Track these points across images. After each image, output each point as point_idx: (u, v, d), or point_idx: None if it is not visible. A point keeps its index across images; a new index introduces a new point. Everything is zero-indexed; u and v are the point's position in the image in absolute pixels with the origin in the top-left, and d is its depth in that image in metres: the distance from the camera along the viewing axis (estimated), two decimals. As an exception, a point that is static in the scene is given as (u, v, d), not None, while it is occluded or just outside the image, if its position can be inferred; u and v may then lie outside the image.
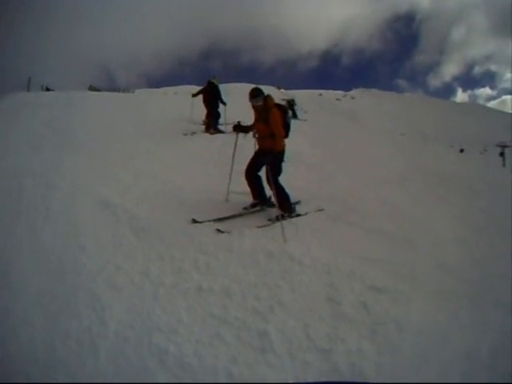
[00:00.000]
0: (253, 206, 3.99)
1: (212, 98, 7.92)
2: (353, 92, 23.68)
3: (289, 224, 3.68)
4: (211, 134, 7.48)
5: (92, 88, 16.55)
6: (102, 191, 4.15)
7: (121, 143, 6.05)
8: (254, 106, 3.83)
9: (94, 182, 4.36)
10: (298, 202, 4.16)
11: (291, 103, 14.69)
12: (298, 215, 3.93)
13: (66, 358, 2.06)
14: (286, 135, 3.85)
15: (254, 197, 4.00)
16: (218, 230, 3.47)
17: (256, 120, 3.89)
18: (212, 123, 7.84)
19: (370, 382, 1.85)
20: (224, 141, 6.43)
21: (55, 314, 2.39)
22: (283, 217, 3.77)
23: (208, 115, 8.02)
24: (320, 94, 21.63)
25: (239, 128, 4.01)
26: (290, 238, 3.36)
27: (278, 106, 3.85)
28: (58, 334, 2.22)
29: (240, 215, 3.90)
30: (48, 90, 14.08)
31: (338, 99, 20.32)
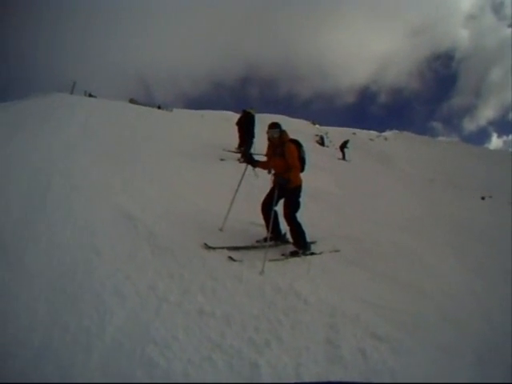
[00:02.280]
0: (266, 240, 3.94)
1: (247, 127, 8.18)
2: (386, 133, 23.72)
3: (302, 262, 3.69)
4: (240, 162, 7.59)
5: (133, 101, 17.11)
6: (125, 202, 4.37)
7: (152, 158, 6.37)
8: (269, 140, 3.93)
9: (119, 192, 4.62)
10: (314, 242, 4.12)
11: (345, 143, 15.00)
12: (313, 254, 3.90)
13: (60, 351, 2.17)
14: (302, 169, 3.89)
15: (270, 231, 3.92)
16: (230, 258, 3.53)
17: (270, 155, 3.93)
18: (244, 152, 7.97)
19: (370, 381, 1.79)
20: (252, 171, 6.68)
21: (59, 308, 2.54)
22: (297, 254, 3.80)
23: (241, 144, 8.31)
24: (354, 133, 21.86)
25: (248, 159, 4.11)
26: (300, 276, 3.35)
27: (293, 140, 3.90)
28: (57, 327, 2.35)
29: (254, 247, 3.92)
30: (91, 96, 14.93)
31: (371, 139, 20.38)
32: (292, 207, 3.77)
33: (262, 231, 4.10)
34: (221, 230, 4.15)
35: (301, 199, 3.88)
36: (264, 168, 4.13)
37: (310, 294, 2.97)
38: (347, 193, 7.16)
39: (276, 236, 4.00)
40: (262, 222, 3.99)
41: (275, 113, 22.92)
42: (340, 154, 14.75)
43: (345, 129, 23.11)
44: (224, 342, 2.34)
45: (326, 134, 20.06)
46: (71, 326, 2.38)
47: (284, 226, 3.97)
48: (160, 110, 15.79)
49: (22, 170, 4.64)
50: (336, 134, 20.65)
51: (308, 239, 3.92)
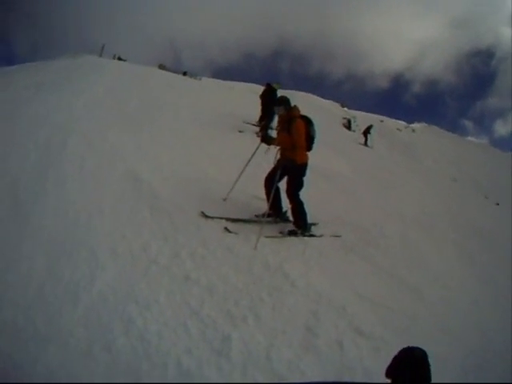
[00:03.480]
0: (265, 215, 3.81)
1: (268, 101, 7.88)
2: (414, 125, 22.31)
3: (299, 242, 3.56)
4: (257, 136, 7.53)
5: (162, 67, 16.68)
6: (136, 165, 4.35)
7: (171, 125, 6.26)
8: (279, 115, 3.76)
9: (131, 154, 4.60)
10: (315, 224, 3.95)
11: (368, 129, 14.28)
12: (312, 235, 3.75)
13: (49, 299, 2.26)
14: (309, 148, 3.70)
15: (270, 207, 3.79)
16: (226, 229, 3.47)
17: (279, 130, 3.79)
18: (264, 126, 7.73)
19: (370, 381, 1.76)
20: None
21: (55, 259, 2.63)
22: (296, 233, 3.68)
23: (262, 118, 8.07)
24: (381, 121, 20.68)
25: (263, 137, 4.02)
26: (293, 257, 3.24)
27: (303, 117, 3.69)
28: (51, 278, 2.44)
29: (252, 221, 3.81)
30: (120, 59, 14.65)
31: (398, 129, 19.26)
32: (295, 185, 3.63)
33: (264, 206, 3.94)
34: (224, 199, 4.07)
35: (307, 178, 3.72)
36: (277, 145, 3.94)
37: (299, 277, 2.87)
38: (362, 178, 6.82)
39: (276, 213, 3.88)
40: (264, 195, 3.87)
41: (305, 90, 21.91)
42: (363, 139, 14.02)
43: (373, 115, 21.85)
44: (202, 311, 2.33)
45: (354, 118, 19.08)
46: (64, 278, 2.46)
47: (286, 204, 3.83)
48: (186, 77, 15.31)
49: (40, 128, 4.68)
50: (364, 119, 19.65)
51: (309, 220, 3.77)
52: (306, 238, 3.67)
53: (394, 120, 22.19)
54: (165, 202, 3.71)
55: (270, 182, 3.73)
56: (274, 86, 8.08)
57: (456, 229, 4.80)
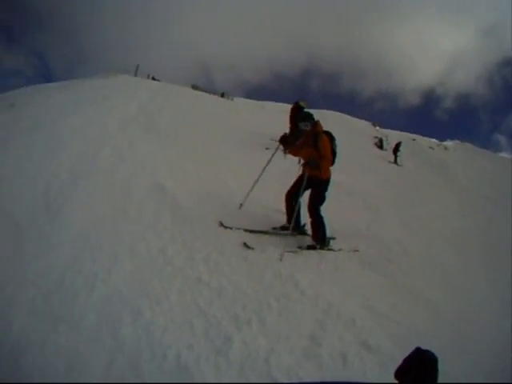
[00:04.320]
0: (283, 228, 3.88)
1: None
2: (447, 143, 21.15)
3: (316, 255, 3.55)
4: (285, 153, 7.63)
5: (195, 87, 17.23)
6: (163, 177, 4.58)
7: (201, 142, 6.57)
8: (300, 131, 3.84)
9: (160, 168, 4.89)
10: (333, 238, 3.91)
11: (398, 146, 13.88)
12: (330, 249, 3.72)
13: (68, 286, 2.49)
14: (333, 163, 3.75)
15: (288, 220, 3.83)
16: (245, 245, 3.47)
17: (302, 145, 3.83)
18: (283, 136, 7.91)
19: (370, 382, 1.73)
20: (294, 162, 6.59)
21: (78, 251, 2.90)
22: (314, 248, 3.68)
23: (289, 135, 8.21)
24: (413, 139, 19.88)
25: (283, 140, 4.03)
26: (307, 268, 3.23)
27: (326, 132, 3.77)
28: (72, 267, 2.70)
29: (270, 233, 3.86)
30: (154, 79, 15.46)
31: (430, 147, 18.33)
32: (317, 199, 3.67)
33: (282, 218, 4.01)
34: (241, 205, 4.19)
35: (330, 193, 3.76)
36: (294, 154, 4.06)
37: (309, 286, 2.84)
38: (389, 196, 6.60)
39: (294, 226, 3.88)
40: (284, 209, 3.92)
41: (336, 109, 21.88)
42: (393, 158, 13.53)
43: (405, 133, 21.14)
44: (209, 312, 2.39)
45: (386, 137, 18.59)
46: (84, 269, 2.70)
47: (305, 218, 3.85)
48: (220, 98, 15.82)
49: (75, 140, 5.15)
50: (396, 137, 19.11)
51: (329, 234, 3.75)
52: (323, 251, 3.64)
53: (426, 138, 21.31)
54: (187, 211, 3.88)
55: (292, 195, 3.79)
56: (301, 103, 8.18)
57: (485, 247, 4.46)
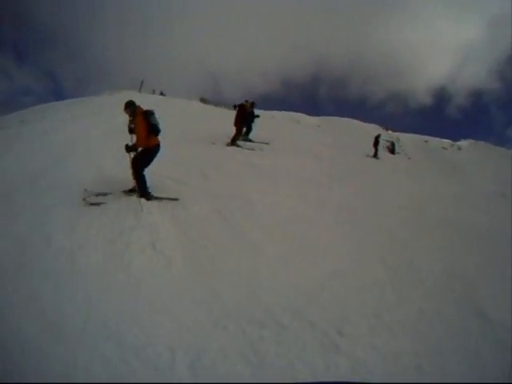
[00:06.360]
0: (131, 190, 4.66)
1: (239, 119, 8.81)
2: (461, 142, 20.51)
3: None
4: (227, 145, 8.48)
5: (203, 100, 17.15)
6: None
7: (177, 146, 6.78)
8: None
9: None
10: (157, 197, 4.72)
11: (377, 139, 13.68)
12: (157, 198, 4.60)
13: (87, 274, 3.08)
14: (156, 133, 4.48)
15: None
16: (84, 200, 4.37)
17: (133, 128, 4.60)
18: (235, 139, 8.66)
19: (370, 382, 1.81)
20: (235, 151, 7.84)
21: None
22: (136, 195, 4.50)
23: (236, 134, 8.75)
24: (426, 141, 19.53)
25: (129, 148, 4.57)
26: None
27: (145, 111, 4.50)
28: (83, 255, 3.34)
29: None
30: (161, 94, 15.83)
31: (444, 148, 17.94)
32: (142, 161, 4.51)
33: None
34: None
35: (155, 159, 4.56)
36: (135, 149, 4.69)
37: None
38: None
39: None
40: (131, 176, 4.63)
41: (346, 115, 21.76)
42: (372, 151, 12.96)
43: (417, 136, 20.76)
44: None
45: (398, 140, 18.34)
46: (102, 264, 3.27)
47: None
48: (229, 111, 16.14)
49: (76, 148, 6.01)
50: (408, 140, 18.79)
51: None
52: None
53: (438, 139, 20.75)
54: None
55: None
56: (245, 104, 9.08)
57: (499, 245, 4.25)
